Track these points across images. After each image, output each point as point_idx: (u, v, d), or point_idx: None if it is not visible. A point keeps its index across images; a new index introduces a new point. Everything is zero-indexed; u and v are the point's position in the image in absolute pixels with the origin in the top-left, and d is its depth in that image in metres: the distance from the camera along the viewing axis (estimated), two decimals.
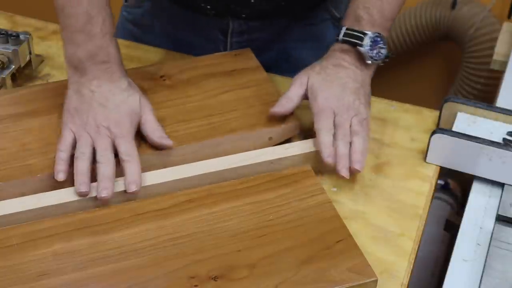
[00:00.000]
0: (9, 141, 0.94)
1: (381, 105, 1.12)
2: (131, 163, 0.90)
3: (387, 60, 1.03)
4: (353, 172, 0.95)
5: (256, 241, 0.84)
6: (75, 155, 0.90)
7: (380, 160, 1.02)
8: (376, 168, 1.01)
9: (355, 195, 0.96)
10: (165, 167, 0.94)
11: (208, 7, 1.13)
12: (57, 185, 0.90)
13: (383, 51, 1.01)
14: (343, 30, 1.02)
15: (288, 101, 1.00)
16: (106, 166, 0.89)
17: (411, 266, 0.88)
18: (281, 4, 1.12)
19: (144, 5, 1.23)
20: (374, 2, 1.01)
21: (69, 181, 0.89)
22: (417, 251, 0.90)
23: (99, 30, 0.94)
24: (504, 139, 1.02)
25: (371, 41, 1.00)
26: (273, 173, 0.93)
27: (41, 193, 0.88)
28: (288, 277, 0.80)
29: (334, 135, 0.96)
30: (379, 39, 1.01)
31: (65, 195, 0.88)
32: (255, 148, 0.99)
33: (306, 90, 1.00)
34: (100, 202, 0.88)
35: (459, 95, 2.08)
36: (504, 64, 1.51)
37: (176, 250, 0.82)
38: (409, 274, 0.87)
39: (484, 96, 2.04)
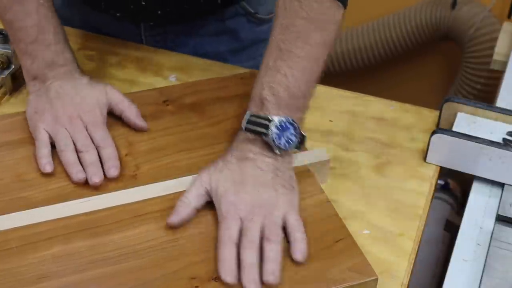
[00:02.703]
0: (4, 170, 0.91)
1: (381, 105, 1.12)
2: (107, 148, 0.92)
3: (302, 145, 0.90)
4: (267, 285, 0.79)
5: None
6: (59, 149, 0.92)
7: (380, 160, 1.02)
8: (376, 168, 1.01)
9: (355, 195, 0.96)
10: None
11: (118, 14, 1.14)
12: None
13: (294, 138, 0.87)
14: (247, 117, 0.88)
15: (184, 206, 0.85)
16: (89, 153, 0.92)
17: (411, 266, 0.88)
18: (187, 9, 1.12)
19: None
20: (280, 80, 0.88)
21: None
22: (417, 251, 0.90)
23: (52, 38, 0.97)
24: (504, 139, 1.02)
25: (277, 129, 0.85)
26: None
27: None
28: (288, 276, 0.80)
29: (240, 245, 0.81)
30: (287, 124, 0.86)
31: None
32: None
33: (209, 191, 0.86)
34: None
35: (459, 95, 2.08)
36: (504, 64, 1.51)
37: (176, 251, 0.82)
38: (409, 274, 0.87)
39: (484, 96, 2.04)
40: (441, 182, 1.72)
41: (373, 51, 2.20)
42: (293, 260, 0.81)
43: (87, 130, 0.94)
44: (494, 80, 1.95)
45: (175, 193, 0.89)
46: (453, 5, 2.07)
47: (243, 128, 0.88)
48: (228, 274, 0.79)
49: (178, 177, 0.91)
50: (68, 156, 0.91)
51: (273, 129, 0.86)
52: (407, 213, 0.94)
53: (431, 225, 1.05)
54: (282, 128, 0.86)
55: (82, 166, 0.91)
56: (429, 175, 1.00)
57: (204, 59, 1.18)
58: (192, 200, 0.86)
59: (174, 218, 0.85)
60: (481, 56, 2.03)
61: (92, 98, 0.96)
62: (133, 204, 0.88)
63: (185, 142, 0.97)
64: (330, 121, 1.07)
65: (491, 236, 0.91)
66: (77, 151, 0.92)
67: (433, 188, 0.99)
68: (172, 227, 0.85)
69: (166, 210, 0.87)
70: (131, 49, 1.20)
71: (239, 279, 0.79)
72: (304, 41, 0.89)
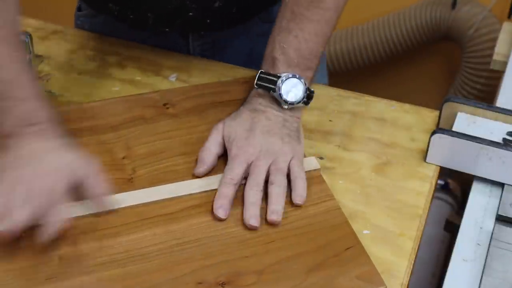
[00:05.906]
0: None
1: (381, 105, 1.12)
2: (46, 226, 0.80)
3: (310, 101, 0.96)
4: (271, 223, 0.86)
5: (264, 247, 0.83)
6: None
7: (380, 160, 1.02)
8: (376, 168, 1.01)
9: (355, 195, 0.97)
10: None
11: (167, 29, 1.14)
12: None
13: (301, 94, 0.94)
14: (258, 74, 0.96)
15: (208, 153, 0.93)
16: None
17: (411, 266, 0.88)
18: (236, 17, 1.13)
19: (99, 16, 1.23)
20: (291, 41, 0.95)
21: None
22: (417, 251, 0.91)
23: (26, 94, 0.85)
24: (504, 139, 1.02)
25: (285, 85, 0.93)
26: None
27: None
28: (296, 284, 0.79)
29: (244, 185, 0.89)
30: (296, 81, 0.94)
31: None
32: None
33: (224, 137, 0.94)
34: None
35: (459, 95, 2.08)
36: (504, 64, 1.51)
37: (184, 255, 0.82)
38: (409, 274, 0.87)
39: (484, 96, 2.04)
40: (441, 182, 1.73)
41: (373, 51, 2.20)
42: (302, 264, 0.82)
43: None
44: (494, 80, 1.95)
45: (182, 197, 0.89)
46: (453, 5, 2.07)
47: (254, 85, 0.96)
48: (219, 207, 0.86)
49: (175, 182, 0.91)
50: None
51: (280, 85, 0.94)
52: (407, 213, 0.95)
53: (431, 225, 1.05)
54: (289, 84, 0.94)
55: None
56: (429, 175, 1.01)
57: (204, 59, 1.19)
58: (212, 147, 0.93)
59: (201, 167, 0.91)
60: (481, 56, 2.03)
61: (56, 164, 0.83)
62: (141, 206, 0.87)
63: (184, 145, 0.96)
64: (330, 121, 1.08)
65: (491, 236, 0.92)
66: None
67: (433, 188, 0.99)
68: (199, 176, 0.91)
69: (173, 213, 0.87)
70: (131, 49, 1.20)
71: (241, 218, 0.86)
72: (316, 5, 0.96)
